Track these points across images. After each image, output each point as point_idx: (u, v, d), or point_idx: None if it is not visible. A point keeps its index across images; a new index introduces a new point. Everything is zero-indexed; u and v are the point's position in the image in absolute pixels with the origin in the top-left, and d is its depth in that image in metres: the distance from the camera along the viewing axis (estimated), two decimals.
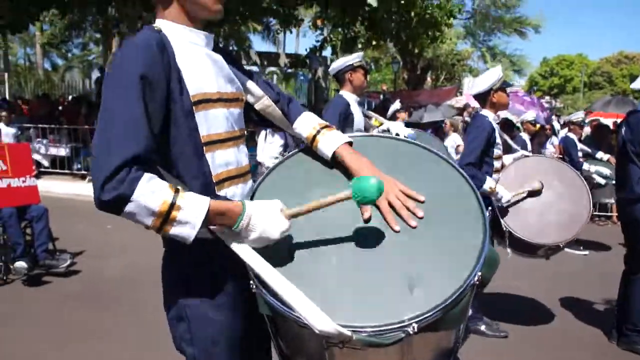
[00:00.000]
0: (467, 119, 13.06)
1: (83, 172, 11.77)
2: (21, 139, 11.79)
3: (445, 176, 1.61)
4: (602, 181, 6.70)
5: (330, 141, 1.66)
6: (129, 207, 1.26)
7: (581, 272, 6.16)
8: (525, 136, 7.95)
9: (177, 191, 1.32)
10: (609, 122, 15.28)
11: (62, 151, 12.08)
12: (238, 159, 1.62)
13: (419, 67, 23.60)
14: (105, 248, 6.47)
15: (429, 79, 28.53)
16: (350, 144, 1.67)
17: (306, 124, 1.76)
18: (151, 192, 1.27)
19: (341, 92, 4.27)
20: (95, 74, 33.86)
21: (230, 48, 18.78)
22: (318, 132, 1.70)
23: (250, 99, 1.76)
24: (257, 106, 1.78)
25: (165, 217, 1.30)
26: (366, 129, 4.45)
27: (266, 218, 1.38)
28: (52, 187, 10.56)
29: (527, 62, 29.40)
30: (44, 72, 29.10)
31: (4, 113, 11.45)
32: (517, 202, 3.93)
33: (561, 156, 8.21)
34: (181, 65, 1.45)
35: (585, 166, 7.07)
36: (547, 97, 54.39)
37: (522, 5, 24.41)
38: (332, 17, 12.21)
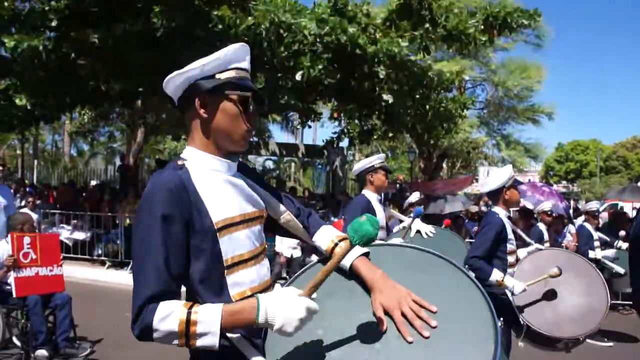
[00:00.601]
0: (484, 208, 13.18)
1: (103, 258, 11.93)
2: (44, 223, 12.17)
3: (459, 285, 1.68)
4: (622, 270, 6.68)
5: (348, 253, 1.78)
6: (156, 335, 1.47)
7: None
8: (542, 226, 8.01)
9: (191, 306, 1.47)
10: (627, 206, 15.30)
11: (83, 236, 12.30)
12: (260, 275, 1.74)
13: (434, 155, 24.02)
14: (123, 337, 6.46)
15: (445, 167, 28.92)
16: (367, 254, 1.76)
17: (325, 236, 1.88)
18: (166, 315, 1.46)
19: (363, 192, 4.49)
20: (119, 162, 35.12)
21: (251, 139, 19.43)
22: (336, 244, 1.83)
23: (272, 214, 1.90)
24: (279, 221, 1.92)
25: (187, 334, 1.46)
26: (387, 225, 4.61)
27: (282, 304, 1.46)
28: (73, 272, 10.70)
29: (541, 148, 29.70)
30: (69, 159, 30.18)
31: (30, 199, 11.87)
32: (537, 301, 3.94)
33: (577, 244, 8.22)
34: (203, 195, 1.61)
35: (592, 254, 7.07)
36: (564, 182, 54.77)
37: (534, 95, 24.93)
38: (349, 109, 12.69)
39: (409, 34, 10.56)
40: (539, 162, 37.12)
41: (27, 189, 14.75)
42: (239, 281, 1.65)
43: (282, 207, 1.91)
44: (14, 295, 5.06)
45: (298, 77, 9.42)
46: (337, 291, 1.69)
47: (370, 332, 1.55)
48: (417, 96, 11.60)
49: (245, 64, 1.75)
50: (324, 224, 1.96)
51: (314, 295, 1.51)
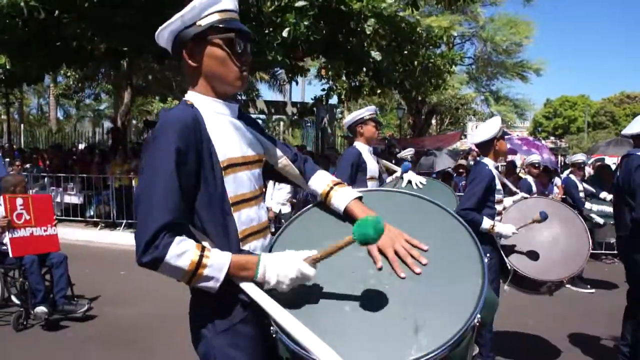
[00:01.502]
0: (472, 162, 13.30)
1: (96, 219, 11.99)
2: (34, 186, 12.15)
3: (448, 226, 1.78)
4: (601, 220, 6.82)
5: (342, 197, 1.86)
6: (163, 267, 1.50)
7: (588, 310, 6.25)
8: (530, 179, 8.13)
9: (203, 249, 1.54)
10: (611, 161, 15.50)
11: (76, 199, 12.32)
12: (259, 216, 1.80)
13: (423, 112, 24.02)
14: (120, 294, 6.61)
15: (433, 123, 28.95)
16: (360, 199, 1.86)
17: (320, 181, 1.96)
18: (181, 253, 1.49)
19: (355, 144, 4.54)
20: (107, 124, 34.87)
21: (239, 97, 19.23)
22: (331, 188, 1.91)
23: (269, 159, 1.95)
24: (276, 166, 1.98)
25: (193, 274, 1.52)
26: (380, 175, 4.69)
27: (280, 267, 1.56)
28: (66, 234, 10.76)
29: (530, 104, 29.77)
30: (56, 122, 29.83)
31: (17, 163, 11.83)
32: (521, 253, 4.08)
33: (564, 196, 8.37)
34: (211, 134, 1.66)
35: (587, 205, 7.20)
36: (552, 138, 55.02)
37: (523, 51, 24.81)
38: (337, 66, 12.59)
39: None
40: (526, 119, 37.22)
41: (15, 153, 14.66)
42: (242, 219, 1.71)
43: (279, 152, 1.96)
44: (11, 256, 5.14)
45: (285, 33, 9.31)
46: (333, 233, 1.75)
47: (365, 270, 1.65)
48: (405, 52, 11.52)
49: (228, 4, 1.73)
50: (319, 169, 2.03)
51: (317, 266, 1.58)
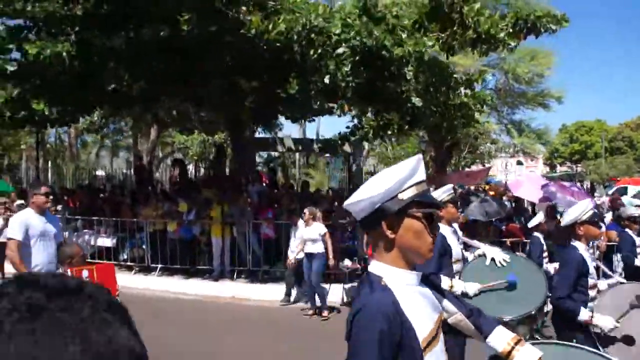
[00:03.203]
0: (507, 203, 13.15)
1: (129, 263, 11.91)
2: (67, 229, 12.09)
3: None
4: None
5: (525, 358, 1.86)
6: None
7: None
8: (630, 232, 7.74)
9: None
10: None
11: (108, 242, 12.26)
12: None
13: (445, 145, 23.83)
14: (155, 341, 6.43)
15: (452, 153, 28.72)
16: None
17: (500, 338, 1.94)
18: None
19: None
20: (122, 154, 35.35)
21: (267, 136, 19.25)
22: (513, 347, 1.89)
23: (444, 314, 1.94)
24: (450, 320, 1.98)
25: None
26: (463, 255, 4.57)
27: None
28: None
29: (549, 132, 29.58)
30: (75, 152, 30.05)
31: (52, 207, 11.78)
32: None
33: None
34: (409, 317, 1.63)
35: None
36: (569, 163, 54.69)
37: (545, 81, 24.70)
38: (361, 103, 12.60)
39: (434, 35, 10.41)
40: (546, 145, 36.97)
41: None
42: None
43: (453, 308, 1.99)
44: None
45: (326, 80, 9.32)
46: None
47: None
48: (440, 95, 11.48)
49: (423, 175, 1.76)
50: (497, 324, 2.02)
51: None
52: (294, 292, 9.80)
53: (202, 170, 25.68)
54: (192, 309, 9.52)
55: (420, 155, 1.78)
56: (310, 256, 8.91)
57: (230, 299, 10.16)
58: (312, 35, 8.96)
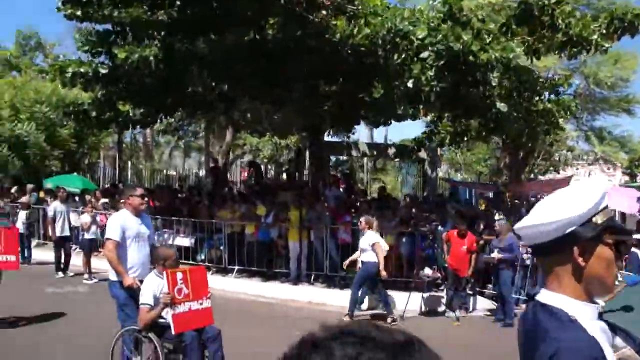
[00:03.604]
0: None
1: (207, 263, 12.12)
2: None
3: None
4: None
5: None
6: None
7: None
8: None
9: None
10: None
11: (187, 242, 12.53)
12: None
13: (520, 152, 23.05)
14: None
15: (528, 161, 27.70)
16: None
17: None
18: None
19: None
20: (193, 154, 36.40)
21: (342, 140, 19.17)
22: None
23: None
24: (616, 355, 1.85)
25: None
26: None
27: None
28: None
29: (633, 140, 27.93)
30: (149, 151, 31.17)
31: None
32: None
33: None
34: (607, 355, 1.47)
35: None
36: None
37: (630, 86, 23.42)
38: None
39: (521, 38, 10.04)
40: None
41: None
42: None
43: (621, 342, 1.77)
44: (173, 333, 5.09)
45: (410, 84, 9.16)
46: None
47: None
48: (523, 101, 11.08)
49: (607, 199, 1.59)
50: None
51: None
52: (366, 299, 9.78)
53: (272, 172, 25.96)
54: (269, 311, 9.57)
55: (605, 178, 1.62)
56: (362, 264, 8.95)
57: (306, 304, 10.15)
58: (397, 40, 8.82)
